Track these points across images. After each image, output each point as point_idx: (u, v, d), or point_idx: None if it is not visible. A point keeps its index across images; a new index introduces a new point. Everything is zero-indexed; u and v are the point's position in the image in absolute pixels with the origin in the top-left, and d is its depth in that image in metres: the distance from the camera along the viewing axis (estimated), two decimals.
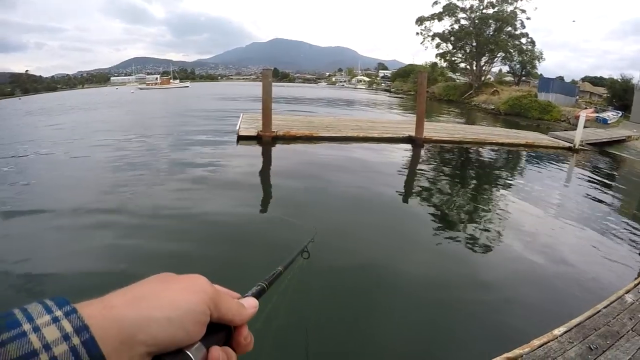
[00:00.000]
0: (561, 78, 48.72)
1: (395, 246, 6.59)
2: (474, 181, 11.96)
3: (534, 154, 16.53)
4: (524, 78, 56.55)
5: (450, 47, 56.03)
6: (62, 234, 6.57)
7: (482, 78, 54.11)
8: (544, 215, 9.00)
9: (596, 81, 55.46)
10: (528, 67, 53.85)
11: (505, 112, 37.29)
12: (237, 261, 5.62)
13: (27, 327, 0.35)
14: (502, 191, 10.84)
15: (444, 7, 54.30)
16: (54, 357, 0.34)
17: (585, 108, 33.22)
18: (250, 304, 0.56)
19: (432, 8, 55.93)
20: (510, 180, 12.11)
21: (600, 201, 10.66)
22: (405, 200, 9.38)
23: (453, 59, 56.57)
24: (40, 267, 5.39)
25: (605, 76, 55.05)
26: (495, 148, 16.93)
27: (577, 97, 40.00)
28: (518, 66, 54.97)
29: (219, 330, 0.51)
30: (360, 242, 6.57)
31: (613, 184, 13.69)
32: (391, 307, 4.85)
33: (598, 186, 12.36)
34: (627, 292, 4.71)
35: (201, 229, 6.79)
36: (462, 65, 56.66)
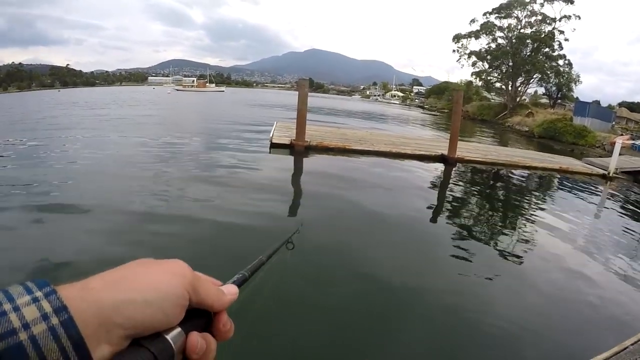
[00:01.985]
0: (597, 102, 47.91)
1: (410, 262, 6.62)
2: (503, 204, 11.91)
3: (566, 180, 16.38)
4: (559, 101, 55.84)
5: (487, 65, 55.79)
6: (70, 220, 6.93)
7: (517, 99, 53.65)
8: (574, 243, 8.82)
9: (633, 107, 54.40)
10: (564, 90, 53.16)
11: (539, 135, 36.95)
12: (230, 253, 5.76)
13: (7, 306, 0.35)
14: (531, 216, 10.68)
15: (481, 25, 54.21)
16: (33, 336, 0.34)
17: (622, 134, 32.64)
18: (230, 290, 0.58)
19: (469, 26, 55.90)
20: (541, 205, 11.99)
21: (633, 232, 10.48)
22: (431, 219, 9.35)
23: (489, 78, 56.26)
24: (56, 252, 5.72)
25: None
26: (528, 172, 16.87)
27: (614, 123, 39.31)
28: (554, 88, 54.30)
29: (199, 316, 0.52)
30: (376, 256, 6.60)
31: None
32: (400, 326, 4.78)
33: (631, 216, 12.13)
34: None
35: (209, 228, 7.00)
36: (498, 85, 56.33)
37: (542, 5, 50.52)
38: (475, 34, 54.89)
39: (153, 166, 10.80)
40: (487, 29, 53.99)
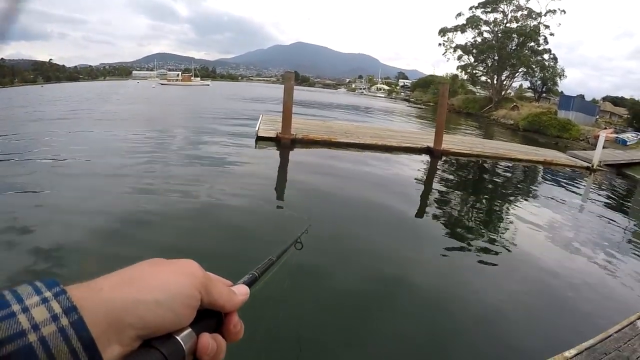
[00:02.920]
0: (582, 96, 48.22)
1: (398, 254, 6.64)
2: (489, 196, 11.94)
3: (551, 172, 16.51)
4: (544, 94, 56.23)
5: (472, 59, 55.96)
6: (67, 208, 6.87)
7: (503, 92, 53.93)
8: (558, 235, 8.92)
9: (617, 101, 54.94)
10: (549, 84, 53.55)
11: (524, 128, 37.22)
12: (232, 251, 5.75)
13: (16, 307, 0.34)
14: (516, 208, 10.79)
15: (467, 19, 54.30)
16: (43, 337, 0.34)
17: (605, 128, 32.97)
18: (242, 291, 0.57)
19: (455, 20, 56.01)
20: (526, 197, 12.11)
21: (615, 224, 10.57)
22: (416, 211, 9.39)
23: (474, 71, 56.46)
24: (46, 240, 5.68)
25: (627, 96, 54.51)
26: (513, 164, 16.93)
27: (597, 117, 39.68)
28: (539, 82, 54.65)
29: (210, 317, 0.50)
30: (363, 249, 6.62)
31: (629, 206, 13.61)
32: (387, 320, 4.82)
33: (614, 208, 12.28)
34: (639, 317, 4.71)
35: (201, 220, 7.00)
36: (483, 78, 56.57)
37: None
38: (461, 28, 54.97)
39: (137, 165, 10.41)
40: (473, 23, 54.12)
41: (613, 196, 14.19)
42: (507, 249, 7.59)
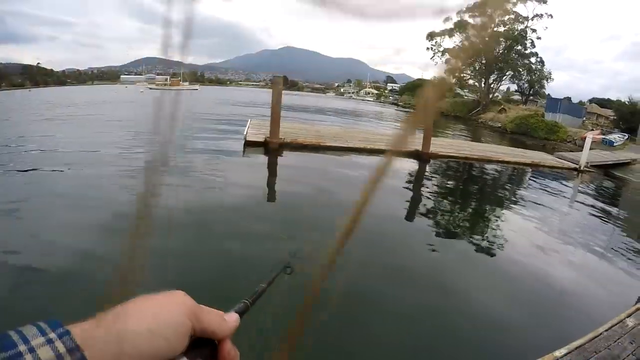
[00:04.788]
0: (569, 99, 48.68)
1: (388, 262, 6.56)
2: (477, 199, 12.04)
3: (539, 174, 16.55)
4: (531, 97, 56.66)
5: (460, 63, 56.24)
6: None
7: (490, 96, 54.24)
8: (547, 236, 8.99)
9: (604, 103, 55.42)
10: (536, 87, 54.01)
11: (511, 130, 37.41)
12: (217, 280, 5.37)
13: (22, 348, 0.36)
14: (504, 210, 10.90)
15: (455, 23, 54.61)
16: None
17: (592, 130, 33.27)
18: (232, 318, 0.58)
19: (443, 24, 56.27)
20: (514, 199, 12.17)
21: (602, 223, 10.73)
22: (405, 215, 9.37)
23: (462, 75, 56.73)
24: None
25: (614, 98, 55.07)
26: (501, 166, 16.98)
27: (584, 119, 39.98)
28: (526, 85, 55.09)
29: (204, 345, 0.51)
30: (351, 258, 6.50)
31: (616, 206, 13.74)
32: (379, 324, 4.80)
33: (601, 208, 12.39)
34: (629, 315, 4.75)
35: (184, 244, 6.39)
36: (471, 82, 56.86)
37: (515, 4, 51.19)
38: (449, 32, 55.26)
39: (121, 175, 10.08)
40: (460, 27, 54.42)
41: (600, 197, 14.30)
42: (496, 251, 7.68)
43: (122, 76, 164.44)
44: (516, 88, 58.48)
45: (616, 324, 4.49)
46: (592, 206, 12.47)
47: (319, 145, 15.09)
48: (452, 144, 20.58)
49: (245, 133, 15.34)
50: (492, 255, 7.48)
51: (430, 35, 57.25)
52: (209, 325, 0.51)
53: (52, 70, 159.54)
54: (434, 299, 5.44)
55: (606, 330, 4.31)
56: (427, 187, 12.14)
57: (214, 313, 0.54)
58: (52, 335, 0.38)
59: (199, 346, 0.51)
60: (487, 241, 8.19)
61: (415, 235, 8.11)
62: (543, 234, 9.10)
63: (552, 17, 49.78)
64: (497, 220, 9.98)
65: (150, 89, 77.52)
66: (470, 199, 11.89)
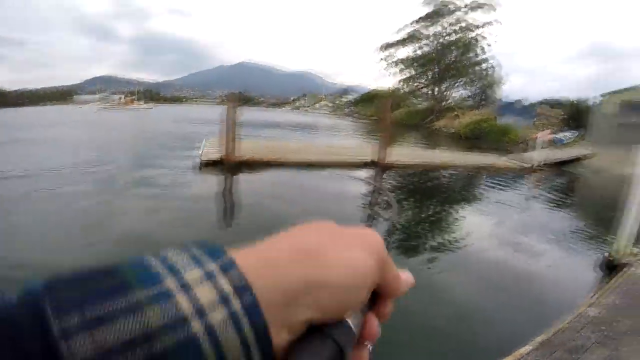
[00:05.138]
0: (520, 101, 50.19)
1: None
2: (435, 204, 12.10)
3: (494, 176, 16.77)
4: (484, 102, 57.94)
5: (414, 72, 57.21)
6: None
7: (443, 103, 55.24)
8: (503, 235, 9.26)
9: (554, 103, 57.21)
10: (488, 92, 55.33)
11: (465, 135, 38.23)
12: None
13: (171, 284, 0.26)
14: (462, 213, 11.10)
15: (408, 34, 55.61)
16: (211, 327, 0.25)
17: (543, 130, 34.24)
18: (407, 276, 0.44)
19: (397, 34, 57.21)
20: (471, 202, 12.44)
21: (557, 218, 11.08)
22: (365, 224, 9.30)
23: (415, 84, 57.71)
24: None
25: (563, 99, 56.99)
26: (457, 171, 17.17)
27: (535, 120, 41.20)
28: (478, 91, 56.37)
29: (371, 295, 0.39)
30: None
31: (569, 201, 14.19)
32: None
33: (555, 204, 12.80)
34: (589, 305, 4.93)
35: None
36: (424, 90, 57.86)
37: (466, 12, 52.55)
38: (402, 43, 56.25)
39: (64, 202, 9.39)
40: (413, 38, 55.47)
41: (553, 193, 14.67)
42: (456, 253, 7.83)
43: (75, 96, 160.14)
44: (469, 94, 59.78)
45: (578, 315, 4.66)
46: (546, 203, 12.90)
47: (277, 161, 14.86)
48: (407, 153, 20.72)
49: (200, 152, 14.95)
50: (453, 257, 7.61)
51: (384, 47, 58.11)
52: (393, 282, 0.40)
53: (6, 91, 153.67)
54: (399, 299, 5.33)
55: (569, 322, 4.44)
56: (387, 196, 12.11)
57: (395, 268, 0.41)
58: (213, 266, 0.28)
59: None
60: (447, 244, 8.30)
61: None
62: (499, 233, 9.38)
63: (501, 23, 51.31)
64: (453, 224, 10.15)
65: (105, 109, 75.85)
66: (427, 205, 11.93)
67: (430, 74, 56.26)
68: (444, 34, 54.39)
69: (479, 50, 52.58)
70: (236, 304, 0.26)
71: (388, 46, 57.86)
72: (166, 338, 0.24)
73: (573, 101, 41.05)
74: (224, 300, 0.26)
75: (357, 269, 0.35)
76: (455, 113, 48.24)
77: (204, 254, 0.29)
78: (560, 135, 30.82)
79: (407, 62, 56.95)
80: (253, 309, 0.27)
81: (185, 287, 0.26)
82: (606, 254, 7.38)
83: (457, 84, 55.56)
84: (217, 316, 0.25)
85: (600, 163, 22.47)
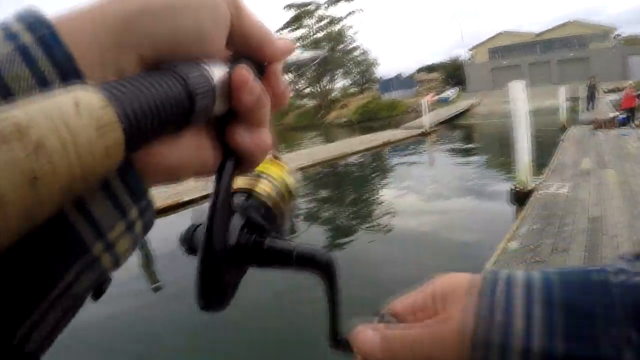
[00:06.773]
0: (399, 75, 51.76)
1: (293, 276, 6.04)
2: (351, 191, 12.12)
3: (395, 149, 16.93)
4: (366, 85, 59.24)
5: (292, 76, 57.40)
6: None
7: (328, 96, 55.83)
8: (423, 198, 9.67)
9: (430, 68, 59.62)
10: (367, 75, 56.72)
11: (357, 120, 38.82)
12: None
13: None
14: (379, 192, 11.22)
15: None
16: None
17: (427, 94, 35.39)
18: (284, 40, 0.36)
19: None
20: (383, 179, 12.58)
21: (465, 167, 11.60)
22: (290, 231, 8.84)
23: (297, 87, 57.85)
24: None
25: (437, 62, 59.50)
26: (359, 156, 16.99)
27: (417, 87, 42.59)
28: (358, 77, 57.61)
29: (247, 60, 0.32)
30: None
31: (470, 149, 14.63)
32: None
33: (459, 156, 13.12)
34: (509, 240, 5.19)
35: None
36: (308, 90, 58.16)
37: (327, 8, 53.45)
38: None
39: None
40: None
41: (453, 147, 15.05)
42: (385, 229, 8.05)
43: None
44: (350, 82, 60.94)
45: (501, 252, 4.89)
46: (451, 157, 13.46)
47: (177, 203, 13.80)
48: (307, 154, 20.40)
49: None
50: (379, 235, 7.83)
51: None
52: (254, 27, 0.32)
53: None
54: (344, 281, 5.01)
55: (495, 262, 4.62)
56: (298, 205, 11.65)
57: (260, 21, 0.32)
58: (19, 26, 0.21)
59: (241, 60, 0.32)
60: (375, 223, 8.58)
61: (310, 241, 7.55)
62: (417, 198, 9.79)
63: (362, 11, 52.80)
64: (374, 204, 10.26)
65: None
66: (347, 193, 12.05)
67: (308, 73, 56.61)
68: (312, 34, 55.06)
69: (348, 40, 53.72)
70: (27, 38, 0.21)
71: None
72: None
73: (446, 62, 42.94)
74: (11, 37, 0.21)
75: None
76: (342, 103, 48.92)
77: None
78: (444, 95, 31.96)
79: (283, 70, 57.08)
80: (50, 41, 0.21)
81: None
82: (512, 187, 7.83)
83: (336, 76, 56.34)
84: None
85: (486, 108, 23.50)
